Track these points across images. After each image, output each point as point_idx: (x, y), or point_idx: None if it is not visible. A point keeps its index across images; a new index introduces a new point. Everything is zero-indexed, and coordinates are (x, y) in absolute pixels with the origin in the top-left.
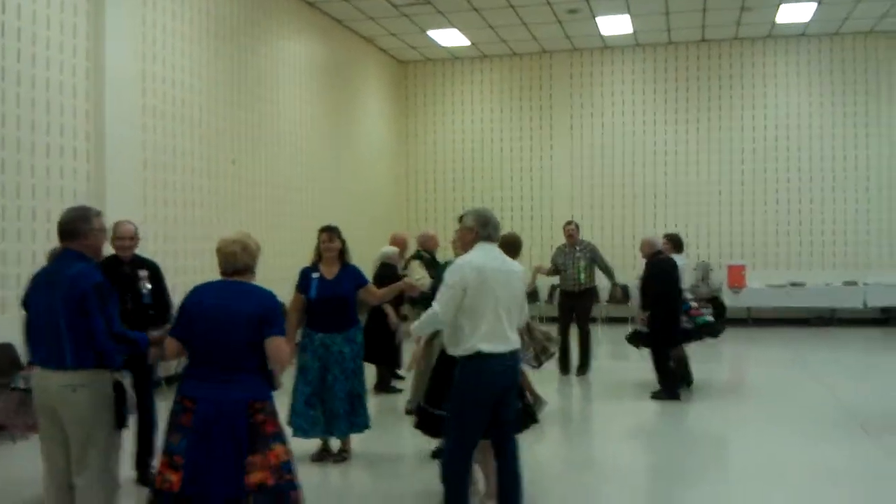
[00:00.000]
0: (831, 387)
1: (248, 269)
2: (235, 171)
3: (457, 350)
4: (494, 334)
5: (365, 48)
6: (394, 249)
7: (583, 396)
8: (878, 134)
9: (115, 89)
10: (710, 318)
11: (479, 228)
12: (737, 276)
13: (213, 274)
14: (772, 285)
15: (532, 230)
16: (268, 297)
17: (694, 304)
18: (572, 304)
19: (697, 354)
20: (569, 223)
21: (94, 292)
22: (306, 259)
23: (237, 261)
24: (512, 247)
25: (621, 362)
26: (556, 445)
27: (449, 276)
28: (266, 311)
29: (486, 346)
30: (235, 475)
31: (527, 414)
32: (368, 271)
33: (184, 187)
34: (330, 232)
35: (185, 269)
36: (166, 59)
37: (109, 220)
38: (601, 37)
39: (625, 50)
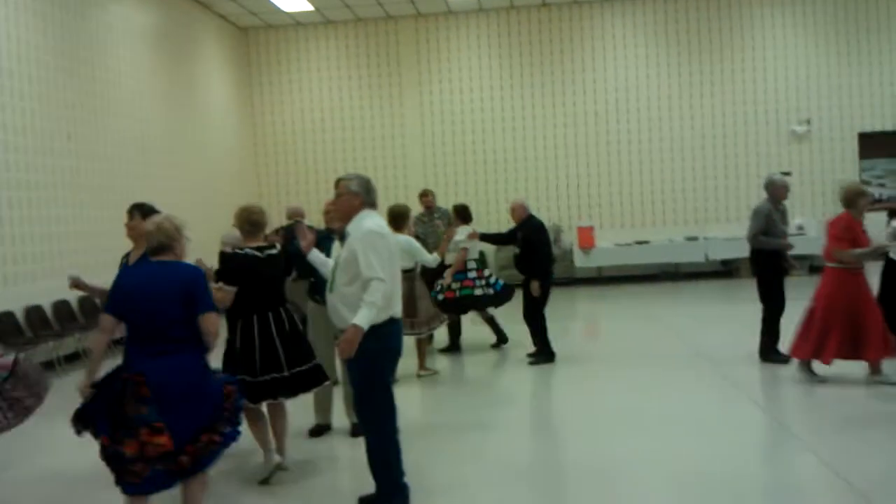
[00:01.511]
0: (680, 335)
1: (166, 248)
2: (72, 146)
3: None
4: (397, 299)
5: (202, 13)
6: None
7: (456, 363)
8: (712, 93)
9: None
10: (477, 293)
11: (364, 195)
12: (586, 237)
13: (62, 259)
14: (619, 244)
15: (386, 200)
16: (189, 272)
17: (472, 273)
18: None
19: (554, 314)
20: (425, 193)
21: None
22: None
23: (152, 240)
24: (401, 218)
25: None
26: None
27: (373, 240)
28: (189, 287)
29: (397, 311)
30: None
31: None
32: (213, 254)
33: (17, 166)
34: (130, 211)
35: (25, 256)
36: None
37: None
38: (445, 1)
39: (469, 15)
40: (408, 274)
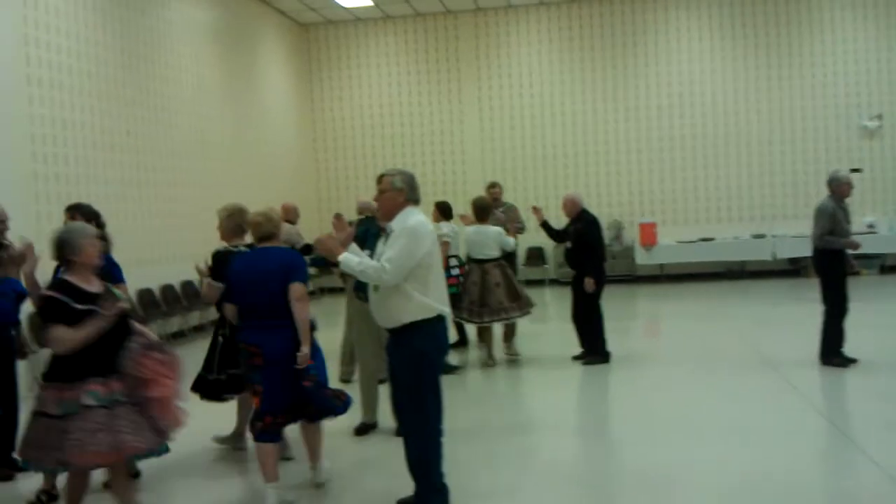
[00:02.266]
0: (743, 336)
1: (273, 236)
2: (132, 142)
3: (407, 315)
4: (445, 297)
5: (262, 10)
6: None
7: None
8: (780, 87)
9: None
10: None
11: (408, 191)
12: (648, 234)
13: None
14: (682, 241)
15: (444, 195)
16: (290, 255)
17: (455, 271)
18: None
19: (613, 313)
20: (493, 185)
21: None
22: (206, 233)
23: (262, 229)
24: (485, 210)
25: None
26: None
27: (417, 239)
28: (290, 266)
29: (445, 309)
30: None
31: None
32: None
33: (77, 161)
34: (74, 211)
35: None
36: (50, 23)
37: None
38: None
39: (529, 9)
40: (496, 262)
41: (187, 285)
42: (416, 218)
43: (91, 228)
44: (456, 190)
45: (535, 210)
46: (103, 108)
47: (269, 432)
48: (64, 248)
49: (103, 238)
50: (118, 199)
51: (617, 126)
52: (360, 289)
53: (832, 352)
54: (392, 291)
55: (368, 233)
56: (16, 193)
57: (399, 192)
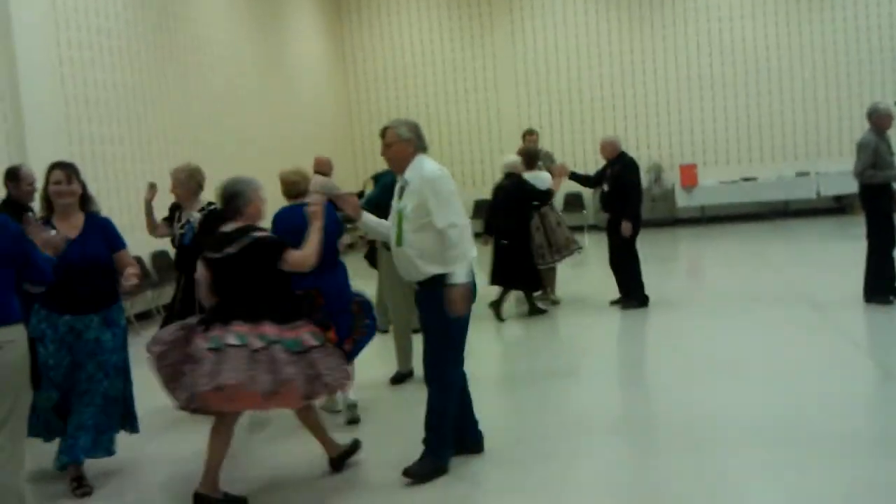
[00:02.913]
0: (787, 276)
1: (306, 192)
2: (163, 100)
3: (433, 267)
4: (471, 241)
5: None
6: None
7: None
8: (822, 20)
9: (24, 21)
10: None
11: (416, 140)
12: (689, 175)
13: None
14: (724, 181)
15: (480, 142)
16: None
17: None
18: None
19: (654, 257)
20: (530, 132)
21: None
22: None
23: (301, 187)
24: (533, 158)
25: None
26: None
27: (440, 186)
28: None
29: (473, 252)
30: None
31: None
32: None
33: (109, 122)
34: (63, 170)
35: (121, 209)
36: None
37: (32, 163)
38: None
39: None
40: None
41: None
42: (430, 165)
43: (259, 182)
44: (491, 137)
45: (562, 168)
46: (134, 67)
47: (350, 355)
48: (238, 199)
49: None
50: (151, 157)
51: (655, 67)
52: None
53: (878, 289)
54: (418, 244)
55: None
56: (49, 156)
57: (408, 142)
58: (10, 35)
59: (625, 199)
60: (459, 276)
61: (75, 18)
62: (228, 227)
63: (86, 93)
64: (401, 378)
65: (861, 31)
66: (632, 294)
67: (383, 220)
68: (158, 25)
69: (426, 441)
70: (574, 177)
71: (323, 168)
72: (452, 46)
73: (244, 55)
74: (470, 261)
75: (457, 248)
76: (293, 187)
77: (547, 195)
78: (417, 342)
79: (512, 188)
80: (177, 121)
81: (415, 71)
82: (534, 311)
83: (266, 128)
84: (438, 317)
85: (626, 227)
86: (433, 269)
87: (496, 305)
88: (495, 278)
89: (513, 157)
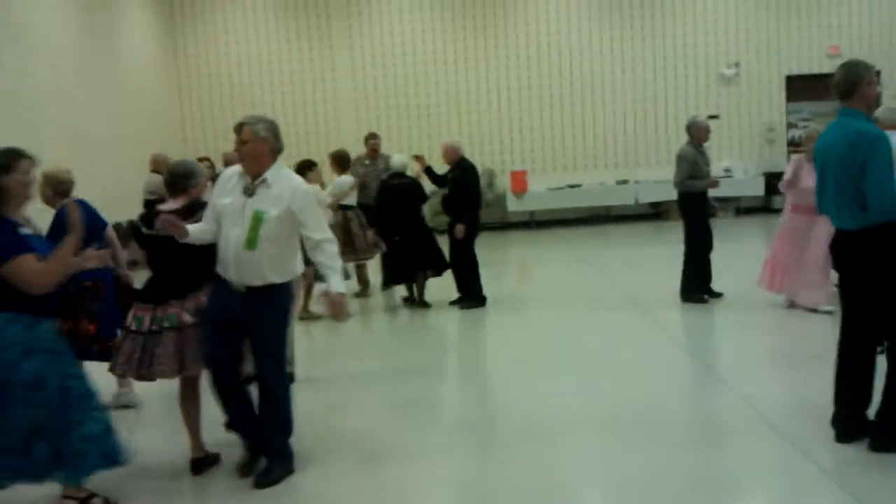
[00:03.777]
0: (610, 277)
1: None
2: None
3: (289, 274)
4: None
5: None
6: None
7: (386, 308)
8: (643, 36)
9: None
10: None
11: (273, 140)
12: (519, 181)
13: None
14: (552, 188)
15: (317, 145)
16: None
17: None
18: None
19: (486, 260)
20: (372, 136)
21: None
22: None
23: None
24: (345, 162)
25: None
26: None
27: (312, 198)
28: None
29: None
30: None
31: None
32: (131, 202)
33: None
34: None
35: None
36: None
37: None
38: None
39: None
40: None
41: None
42: (297, 178)
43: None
44: (329, 140)
45: (418, 158)
46: None
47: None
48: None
49: None
50: None
51: (488, 74)
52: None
53: (693, 289)
54: (273, 252)
55: None
56: None
57: (264, 141)
58: None
59: (463, 202)
60: (340, 286)
61: None
62: (171, 205)
63: None
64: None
65: (678, 49)
66: (471, 294)
67: (199, 225)
68: None
69: (276, 448)
70: (429, 172)
71: (159, 166)
72: (289, 46)
73: (69, 45)
74: (295, 272)
75: (335, 261)
76: (67, 185)
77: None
78: None
79: (406, 187)
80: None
81: (250, 69)
82: (423, 304)
83: (93, 121)
84: (274, 319)
85: (459, 229)
86: (275, 278)
87: (412, 299)
88: (396, 277)
89: (402, 158)
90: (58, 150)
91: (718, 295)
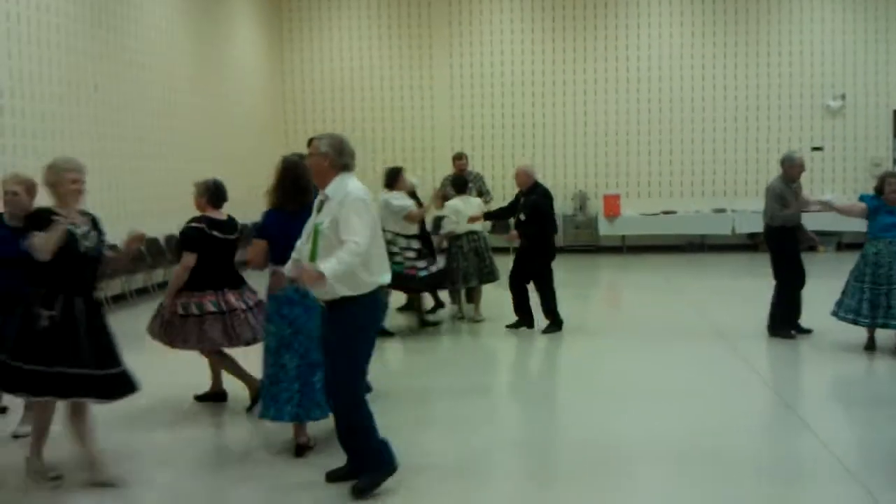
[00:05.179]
0: (698, 307)
1: None
2: (98, 97)
3: (359, 287)
4: (383, 267)
5: None
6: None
7: (468, 332)
8: (747, 64)
9: None
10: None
11: (335, 156)
12: (612, 205)
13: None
14: (645, 214)
15: (413, 161)
16: None
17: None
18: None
19: (573, 282)
20: (459, 157)
21: None
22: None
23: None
24: (462, 184)
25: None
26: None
27: (358, 206)
28: None
29: (385, 278)
30: None
31: None
32: (251, 209)
33: (43, 116)
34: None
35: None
36: None
37: None
38: None
39: None
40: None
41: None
42: (353, 184)
43: None
44: (425, 157)
45: (473, 220)
46: (70, 62)
47: None
48: (224, 193)
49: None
50: (82, 154)
51: (585, 97)
52: None
53: (782, 324)
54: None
55: None
56: None
57: (324, 156)
58: None
59: (540, 227)
60: (328, 268)
61: (16, 10)
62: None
63: (22, 87)
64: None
65: (784, 77)
66: (551, 318)
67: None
68: (95, 21)
69: (355, 459)
70: (489, 216)
71: None
72: (391, 63)
73: (180, 55)
74: (361, 282)
75: (348, 256)
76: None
77: None
78: None
79: None
80: (113, 119)
81: (352, 84)
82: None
83: (199, 132)
84: (339, 333)
85: (512, 235)
86: (343, 290)
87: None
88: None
89: (414, 179)
90: (170, 158)
91: (807, 331)
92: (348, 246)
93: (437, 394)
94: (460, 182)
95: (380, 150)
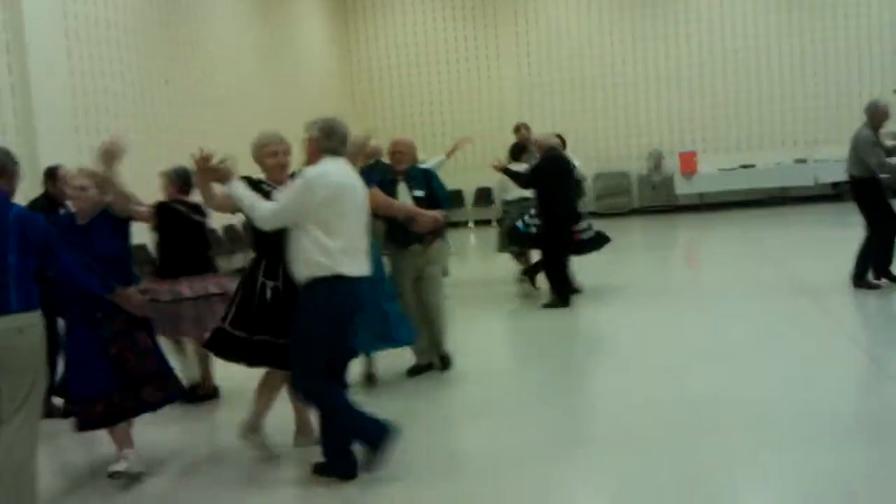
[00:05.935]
0: (780, 262)
1: None
2: (169, 91)
3: (310, 267)
4: (354, 257)
5: None
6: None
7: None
8: (823, 8)
9: (33, 14)
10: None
11: (322, 139)
12: (688, 163)
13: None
14: (723, 169)
15: (482, 129)
16: None
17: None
18: None
19: (653, 243)
20: (518, 128)
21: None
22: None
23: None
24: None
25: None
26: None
27: (302, 182)
28: None
29: (347, 269)
30: None
31: None
32: None
33: (117, 113)
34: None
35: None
36: None
37: (41, 156)
38: None
39: None
40: None
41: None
42: (324, 167)
43: None
44: (492, 127)
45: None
46: (141, 63)
47: None
48: (190, 178)
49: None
50: (155, 147)
51: (657, 55)
52: (394, 236)
53: (877, 269)
54: (295, 244)
55: (384, 181)
56: (59, 147)
57: (315, 141)
58: (21, 28)
59: (544, 191)
60: (237, 188)
61: (84, 10)
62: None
63: (94, 84)
64: (418, 370)
65: (862, 20)
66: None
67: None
68: (164, 18)
69: (325, 456)
70: (508, 172)
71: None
72: (456, 34)
73: (248, 45)
74: (320, 266)
75: (253, 199)
76: None
77: None
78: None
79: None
80: (182, 111)
81: (417, 59)
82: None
83: (268, 115)
84: (302, 320)
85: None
86: (299, 272)
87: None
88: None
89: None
90: (238, 150)
91: (878, 285)
92: (265, 202)
93: (514, 364)
94: (518, 149)
95: (449, 121)
